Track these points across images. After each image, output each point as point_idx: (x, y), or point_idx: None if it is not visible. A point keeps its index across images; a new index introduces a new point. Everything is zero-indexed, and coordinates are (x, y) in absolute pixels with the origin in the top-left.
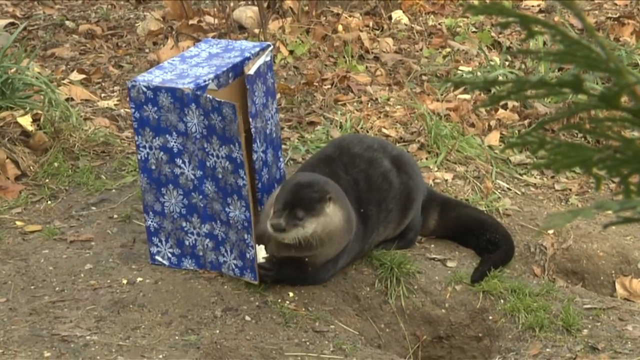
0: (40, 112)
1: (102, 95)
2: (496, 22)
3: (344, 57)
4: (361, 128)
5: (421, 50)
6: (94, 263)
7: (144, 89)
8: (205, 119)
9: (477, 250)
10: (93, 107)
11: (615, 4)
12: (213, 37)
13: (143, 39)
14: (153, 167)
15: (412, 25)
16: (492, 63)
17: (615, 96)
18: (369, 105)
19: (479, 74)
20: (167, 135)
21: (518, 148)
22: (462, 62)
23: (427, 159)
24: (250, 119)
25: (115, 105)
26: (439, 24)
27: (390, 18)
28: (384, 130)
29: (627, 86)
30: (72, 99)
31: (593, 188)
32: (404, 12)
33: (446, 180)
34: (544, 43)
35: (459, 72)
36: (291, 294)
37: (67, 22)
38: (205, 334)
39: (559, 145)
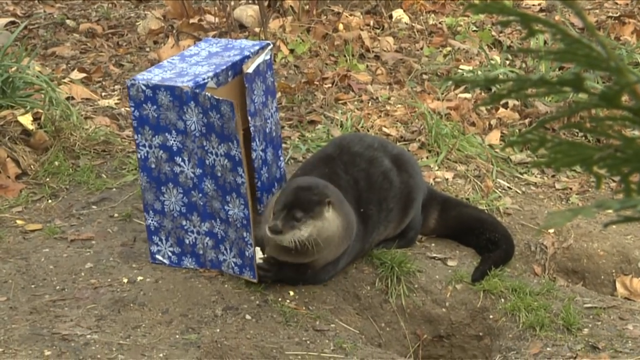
0: (40, 110)
1: (103, 94)
2: (497, 21)
3: (345, 56)
4: (362, 127)
5: (422, 49)
6: (95, 262)
7: (143, 88)
8: (204, 117)
9: (478, 249)
10: (94, 106)
11: (616, 3)
12: (214, 36)
13: (144, 37)
14: (153, 165)
15: (413, 24)
16: (492, 62)
17: (616, 95)
18: (370, 104)
19: (479, 73)
20: (166, 134)
21: (518, 147)
22: (462, 61)
23: (427, 157)
24: (249, 118)
25: (115, 104)
26: (440, 23)
27: (390, 17)
28: (384, 129)
29: (627, 85)
30: (73, 98)
31: (593, 187)
32: (404, 11)
33: (447, 179)
34: (545, 42)
35: (459, 71)
36: (292, 293)
37: (67, 21)
38: (205, 332)
39: (559, 143)
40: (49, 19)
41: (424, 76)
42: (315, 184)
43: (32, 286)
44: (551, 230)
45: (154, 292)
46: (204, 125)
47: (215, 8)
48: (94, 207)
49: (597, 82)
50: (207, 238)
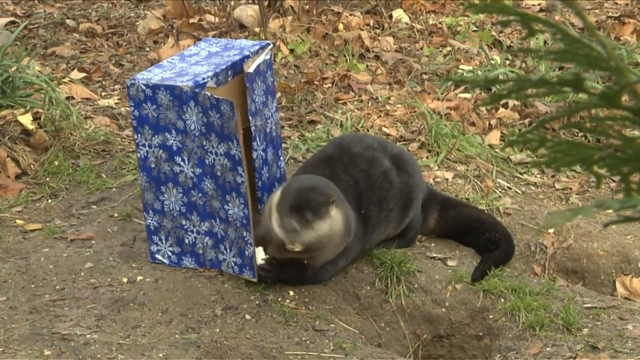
0: (40, 110)
1: (103, 93)
2: (497, 20)
3: (345, 55)
4: (362, 127)
5: (422, 49)
6: (94, 262)
7: (143, 87)
8: (204, 117)
9: (477, 249)
10: (93, 105)
11: (616, 3)
12: (213, 36)
13: (144, 37)
14: (152, 165)
15: (413, 24)
16: (492, 62)
17: (616, 95)
18: (370, 104)
19: (479, 73)
20: (166, 133)
21: (518, 147)
22: (462, 61)
23: (427, 157)
24: (250, 117)
25: (115, 103)
26: (440, 22)
27: (390, 17)
28: (384, 129)
29: (628, 85)
30: (73, 98)
31: (593, 187)
32: (404, 10)
33: (447, 179)
34: (545, 42)
35: (459, 71)
36: (291, 293)
37: (67, 21)
38: (205, 332)
39: (559, 143)
40: (49, 19)
41: (424, 76)
42: (317, 183)
43: (32, 286)
44: (551, 230)
45: (154, 291)
46: (204, 125)
47: (215, 8)
48: (93, 206)
49: (597, 82)
50: (207, 237)
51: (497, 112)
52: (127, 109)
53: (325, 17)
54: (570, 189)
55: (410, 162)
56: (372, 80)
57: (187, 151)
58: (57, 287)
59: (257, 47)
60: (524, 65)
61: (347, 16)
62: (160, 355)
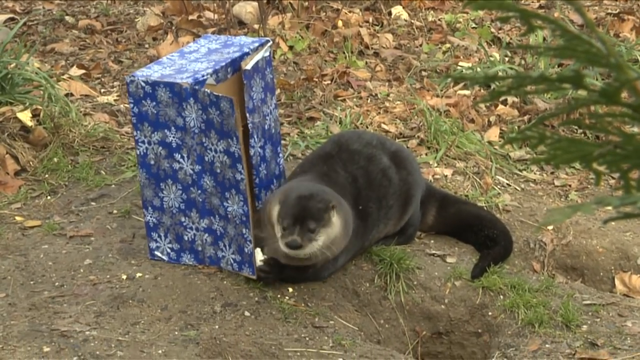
0: (39, 107)
1: (102, 90)
2: (496, 17)
3: (344, 52)
4: (361, 124)
5: (421, 46)
6: (94, 258)
7: (143, 84)
8: (204, 114)
9: (476, 246)
10: (93, 102)
11: (615, 0)
12: (213, 33)
13: (143, 34)
14: (152, 162)
15: (412, 21)
16: (491, 59)
17: (616, 92)
18: (369, 101)
19: (478, 69)
20: (165, 130)
21: (518, 144)
22: (461, 57)
23: (426, 154)
24: (247, 114)
25: (114, 100)
26: (439, 19)
27: (390, 14)
28: (383, 125)
29: (627, 82)
30: (72, 95)
31: (593, 184)
32: (403, 7)
33: (446, 176)
34: (544, 39)
35: (458, 67)
36: (290, 290)
37: (66, 17)
38: (204, 329)
39: (558, 140)
40: (48, 16)
41: (423, 73)
42: (315, 190)
43: (31, 282)
44: (550, 227)
45: (153, 288)
46: (203, 122)
47: (215, 5)
48: (93, 203)
49: (596, 79)
50: (206, 234)
51: (496, 109)
52: (126, 105)
53: (324, 14)
54: (570, 185)
55: (409, 159)
56: (371, 77)
57: (187, 148)
58: (56, 283)
59: (256, 44)
60: (523, 62)
61: (346, 13)
62: (160, 351)
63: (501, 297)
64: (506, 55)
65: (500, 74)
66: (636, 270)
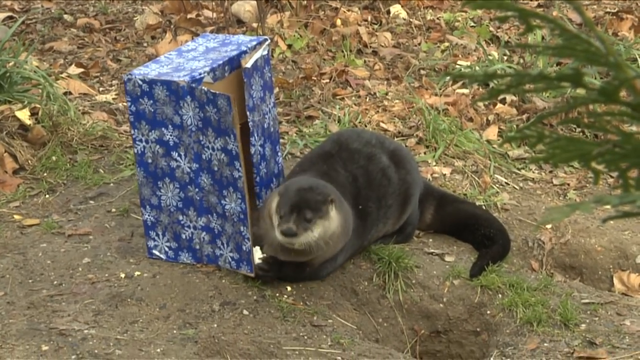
0: (38, 105)
1: (100, 89)
2: (495, 16)
3: (343, 51)
4: (359, 122)
5: (419, 44)
6: (92, 257)
7: (140, 82)
8: (201, 112)
9: (474, 245)
10: (91, 101)
11: None
12: (211, 31)
13: (141, 32)
14: (149, 160)
15: (411, 20)
16: (490, 58)
17: (615, 90)
18: (367, 100)
19: (477, 68)
20: (163, 129)
21: (516, 142)
22: (460, 56)
23: (425, 153)
24: (248, 113)
25: (113, 99)
26: (438, 18)
27: (388, 12)
28: (382, 124)
29: (626, 80)
30: (70, 93)
31: (591, 182)
32: (402, 6)
33: (444, 174)
34: (543, 38)
35: (457, 66)
36: (289, 289)
37: (65, 16)
38: (203, 328)
39: (557, 139)
40: (47, 14)
41: (422, 72)
42: (315, 183)
43: (30, 281)
44: (549, 226)
45: (152, 287)
46: (201, 120)
47: (213, 3)
48: (91, 202)
49: (595, 78)
50: (204, 233)
51: (494, 108)
52: (124, 104)
53: (323, 12)
54: (568, 184)
55: (407, 158)
56: (369, 76)
57: (184, 146)
58: (55, 282)
59: (254, 43)
60: (522, 60)
61: (344, 12)
62: (158, 350)
63: (500, 295)
64: (505, 54)
65: (499, 72)
66: (635, 269)
